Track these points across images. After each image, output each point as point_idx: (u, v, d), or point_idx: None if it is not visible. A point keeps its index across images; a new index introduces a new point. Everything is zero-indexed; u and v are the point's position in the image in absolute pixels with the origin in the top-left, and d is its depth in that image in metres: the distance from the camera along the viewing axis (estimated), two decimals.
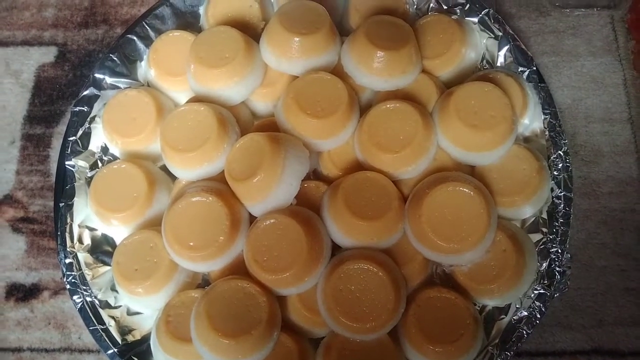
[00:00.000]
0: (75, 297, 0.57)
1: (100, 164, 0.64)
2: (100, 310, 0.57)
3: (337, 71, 0.60)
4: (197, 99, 0.60)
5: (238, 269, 0.56)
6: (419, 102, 0.59)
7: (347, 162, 0.59)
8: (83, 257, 0.59)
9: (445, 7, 0.65)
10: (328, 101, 0.57)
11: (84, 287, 0.58)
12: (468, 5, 0.64)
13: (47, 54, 0.75)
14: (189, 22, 0.68)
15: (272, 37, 0.60)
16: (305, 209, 0.56)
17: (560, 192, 0.57)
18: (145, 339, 0.57)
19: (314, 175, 0.62)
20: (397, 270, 0.54)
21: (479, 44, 0.64)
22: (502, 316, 0.56)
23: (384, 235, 0.54)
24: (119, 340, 0.56)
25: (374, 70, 0.58)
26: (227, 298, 0.52)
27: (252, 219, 0.56)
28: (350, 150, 0.59)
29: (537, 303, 0.54)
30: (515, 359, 0.60)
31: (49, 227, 0.68)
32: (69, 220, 0.59)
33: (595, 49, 0.70)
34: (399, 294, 0.52)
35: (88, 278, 0.58)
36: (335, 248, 0.56)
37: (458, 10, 0.64)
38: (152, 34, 0.67)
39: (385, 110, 0.57)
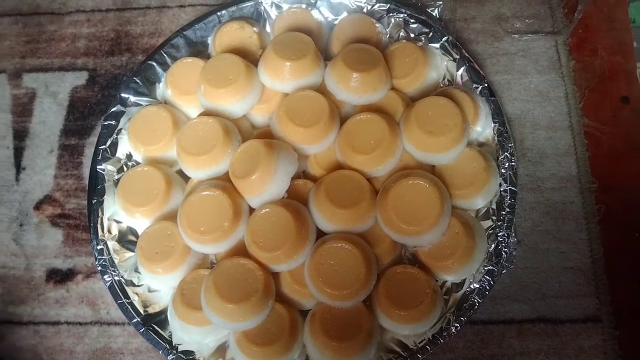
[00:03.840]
0: (105, 277, 0.65)
1: (125, 168, 0.70)
2: (126, 287, 0.65)
3: (321, 89, 0.67)
4: (206, 113, 0.67)
5: (239, 253, 0.62)
6: (388, 114, 0.67)
7: (330, 164, 0.66)
8: (112, 244, 0.67)
9: (412, 36, 0.73)
10: (313, 113, 0.64)
11: (113, 269, 0.65)
12: (431, 34, 0.72)
13: (80, 78, 0.82)
14: (199, 50, 0.75)
15: (267, 62, 0.67)
16: (294, 201, 0.64)
17: (507, 187, 0.64)
18: (163, 311, 0.65)
19: (304, 175, 0.69)
20: (369, 249, 0.61)
21: (440, 65, 0.72)
22: (459, 289, 0.63)
23: (358, 221, 0.61)
24: (142, 312, 0.64)
25: (351, 88, 0.65)
26: (230, 273, 0.59)
27: (251, 211, 0.63)
28: (333, 154, 0.66)
29: (487, 277, 0.61)
30: (471, 326, 0.66)
31: (82, 222, 0.74)
32: (100, 214, 0.67)
33: (542, 68, 0.76)
34: (370, 268, 0.59)
35: (116, 261, 0.66)
36: (321, 234, 0.63)
37: (423, 38, 0.72)
38: (168, 60, 0.74)
39: (359, 120, 0.64)
